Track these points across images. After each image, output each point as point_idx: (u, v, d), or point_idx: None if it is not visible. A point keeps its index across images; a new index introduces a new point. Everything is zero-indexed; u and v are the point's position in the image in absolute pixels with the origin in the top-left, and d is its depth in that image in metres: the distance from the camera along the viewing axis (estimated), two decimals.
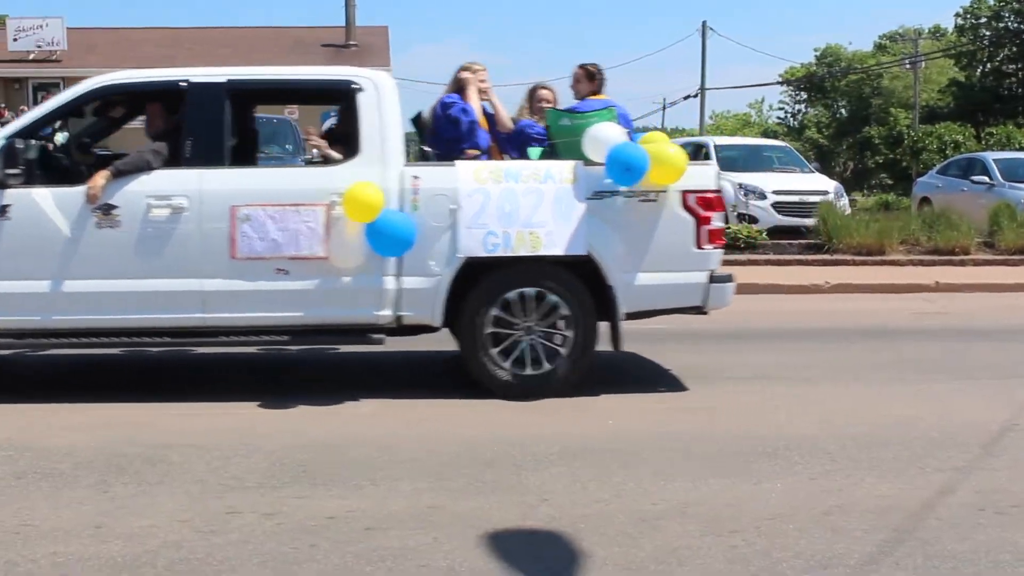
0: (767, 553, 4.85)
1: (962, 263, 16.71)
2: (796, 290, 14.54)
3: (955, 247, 17.11)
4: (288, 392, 8.07)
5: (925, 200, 22.97)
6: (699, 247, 7.92)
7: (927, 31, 77.68)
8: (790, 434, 6.92)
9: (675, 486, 5.80)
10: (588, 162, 7.85)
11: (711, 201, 8.00)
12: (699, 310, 8.14)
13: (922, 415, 7.56)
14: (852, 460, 6.37)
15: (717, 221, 8.08)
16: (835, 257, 16.80)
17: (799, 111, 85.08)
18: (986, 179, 21.38)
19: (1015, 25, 68.19)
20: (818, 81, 77.90)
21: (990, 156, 23.51)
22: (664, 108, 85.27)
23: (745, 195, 19.12)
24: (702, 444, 6.65)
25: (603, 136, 7.89)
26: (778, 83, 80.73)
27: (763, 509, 5.44)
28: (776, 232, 18.14)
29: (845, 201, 19.88)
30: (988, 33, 69.61)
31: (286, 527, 5.10)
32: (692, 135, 45.34)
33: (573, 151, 8.05)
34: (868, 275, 15.54)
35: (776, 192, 19.21)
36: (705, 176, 8.12)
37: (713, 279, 8.02)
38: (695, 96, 58.07)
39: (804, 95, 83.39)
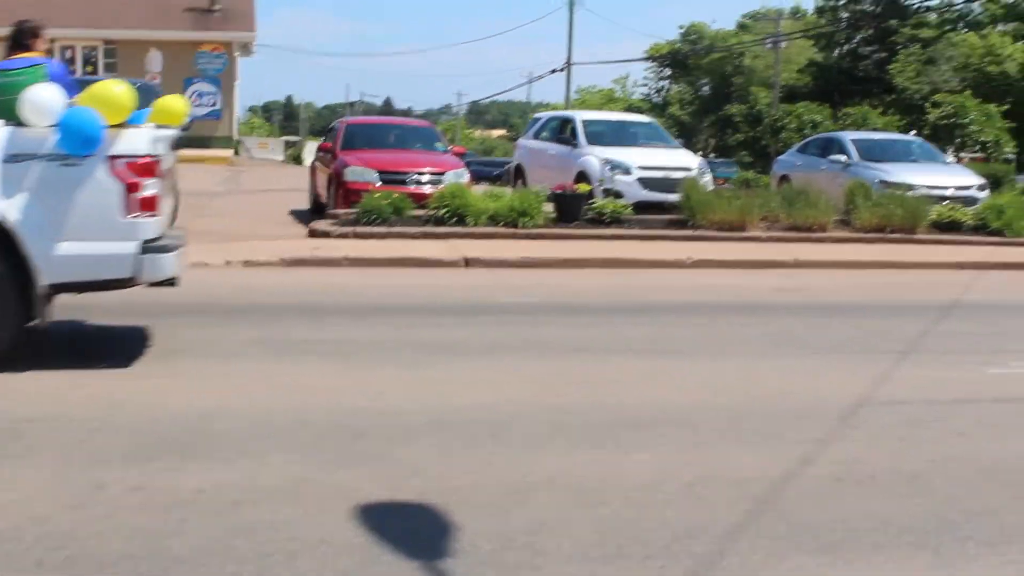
0: (635, 523, 4.93)
1: (820, 240, 17.15)
2: (659, 265, 14.76)
3: (813, 224, 17.54)
4: (152, 361, 7.93)
5: (785, 178, 23.45)
6: (128, 216, 7.41)
7: (788, 12, 79.23)
8: (658, 406, 7.05)
9: (545, 457, 5.86)
10: (9, 122, 7.36)
11: (143, 167, 7.45)
12: (129, 283, 7.65)
13: (784, 389, 7.76)
14: (717, 432, 6.51)
15: (150, 188, 7.51)
16: (698, 233, 17.07)
17: (663, 87, 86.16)
18: (843, 158, 21.94)
19: (872, 8, 69.94)
20: (682, 58, 78.96)
21: (847, 136, 24.13)
22: (530, 82, 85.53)
23: (611, 170, 19.28)
24: (571, 416, 6.72)
25: (43, 101, 7.35)
26: (643, 59, 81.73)
27: (631, 480, 5.53)
28: (641, 207, 18.34)
29: (709, 177, 20.21)
30: (846, 15, 71.28)
31: (154, 501, 5.02)
32: (558, 109, 45.54)
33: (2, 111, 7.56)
34: (729, 251, 15.85)
35: (642, 167, 19.39)
36: (136, 141, 7.50)
37: (146, 250, 7.51)
38: (561, 70, 58.39)
39: (668, 72, 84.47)
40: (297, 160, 50.50)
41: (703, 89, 79.86)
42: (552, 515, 4.99)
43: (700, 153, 51.33)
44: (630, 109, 68.21)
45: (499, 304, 11.26)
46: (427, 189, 17.74)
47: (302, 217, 18.96)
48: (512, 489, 5.34)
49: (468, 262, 14.16)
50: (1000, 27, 60.18)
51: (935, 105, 37.27)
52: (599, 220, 17.14)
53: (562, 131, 21.86)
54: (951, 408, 7.34)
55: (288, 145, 58.93)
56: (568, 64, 57.42)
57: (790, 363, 8.74)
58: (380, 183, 17.61)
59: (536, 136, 23.31)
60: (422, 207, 16.87)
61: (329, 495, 5.14)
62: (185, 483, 5.27)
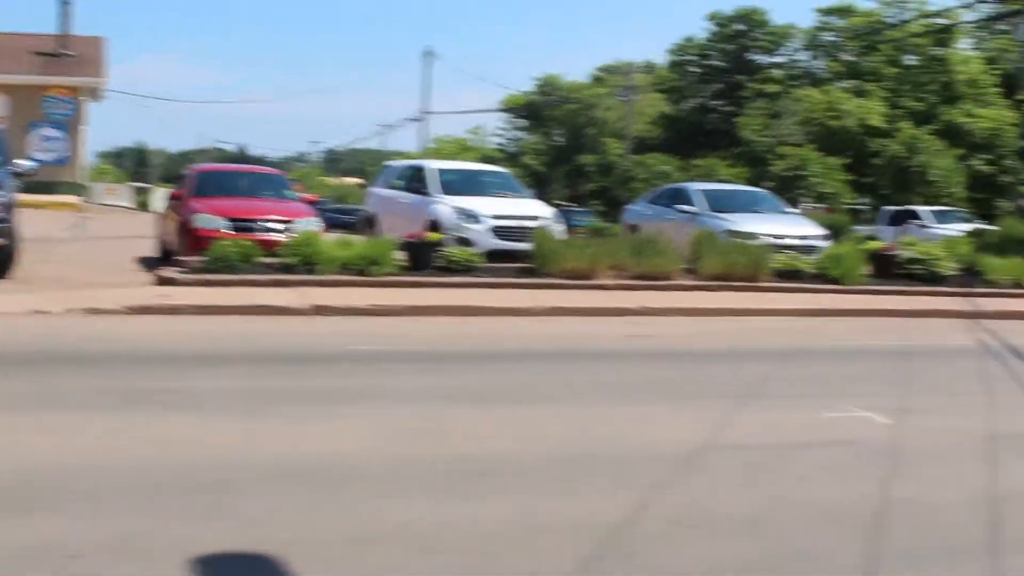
0: (475, 571, 4.95)
1: (667, 288, 17.44)
2: (509, 312, 14.84)
3: (660, 273, 17.85)
4: None
5: (634, 227, 23.82)
6: None
7: (640, 65, 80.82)
8: (504, 454, 7.08)
9: (389, 507, 5.84)
10: None
11: None
12: None
13: (628, 434, 7.87)
14: (562, 479, 6.57)
15: None
16: (547, 281, 17.22)
17: (517, 138, 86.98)
18: (690, 208, 22.40)
19: (721, 63, 71.82)
20: (536, 109, 79.89)
21: (695, 186, 24.66)
22: (385, 131, 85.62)
23: (463, 219, 19.39)
24: (417, 465, 6.71)
25: None
26: (498, 110, 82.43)
27: (474, 529, 5.55)
28: (493, 256, 18.45)
29: (561, 227, 20.42)
30: (696, 70, 73.02)
31: None
32: (413, 157, 45.64)
33: None
34: (579, 299, 16.01)
35: (493, 216, 19.53)
36: None
37: None
38: (417, 120, 58.59)
39: (523, 122, 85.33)
40: (145, 207, 49.67)
41: (557, 139, 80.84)
42: (393, 565, 4.98)
43: (558, 202, 51.95)
44: (485, 159, 68.71)
45: (348, 352, 11.20)
46: (277, 237, 17.60)
47: (150, 265, 18.60)
48: (354, 539, 5.31)
49: (318, 310, 14.06)
50: (841, 84, 62.26)
51: (780, 157, 38.36)
52: (450, 268, 17.18)
53: (415, 179, 21.92)
54: (789, 452, 7.53)
55: (138, 191, 57.89)
56: (423, 113, 57.69)
57: (636, 409, 8.87)
58: (230, 230, 17.42)
59: (389, 184, 23.32)
60: (272, 255, 16.71)
61: (166, 548, 5.04)
62: (21, 537, 5.11)
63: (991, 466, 7.32)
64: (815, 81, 66.44)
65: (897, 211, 35.69)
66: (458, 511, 5.85)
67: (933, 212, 34.76)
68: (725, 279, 18.01)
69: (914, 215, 34.45)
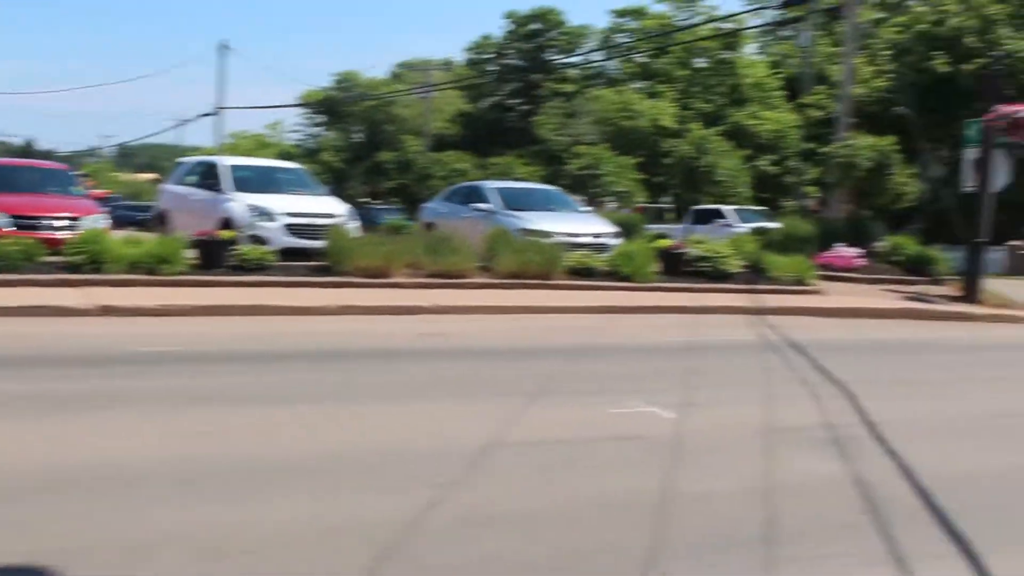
0: None
1: (462, 286, 17.55)
2: (303, 312, 14.68)
3: (455, 271, 17.94)
4: None
5: (431, 225, 23.88)
6: None
7: (438, 63, 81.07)
8: (293, 455, 7.00)
9: (171, 512, 5.70)
10: None
11: None
12: None
13: (418, 433, 7.87)
14: (350, 479, 6.53)
15: None
16: (342, 279, 17.11)
17: (316, 134, 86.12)
18: (486, 206, 22.56)
19: (518, 62, 72.60)
20: (335, 105, 79.25)
21: (489, 184, 24.85)
22: (179, 126, 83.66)
23: (256, 216, 19.10)
24: (201, 468, 6.58)
25: None
26: (296, 105, 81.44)
27: (257, 533, 5.47)
28: (287, 254, 18.24)
29: (356, 224, 20.32)
30: (494, 68, 73.62)
31: None
32: (209, 153, 44.74)
33: None
34: (374, 297, 15.96)
35: (287, 214, 19.30)
36: None
37: None
38: (212, 115, 57.42)
39: (322, 118, 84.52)
40: None
41: (356, 136, 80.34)
42: (168, 573, 4.87)
43: (361, 199, 51.61)
44: (283, 155, 67.78)
45: (134, 354, 10.89)
46: (62, 234, 17.04)
47: None
48: (133, 547, 5.17)
49: (105, 310, 13.64)
50: (635, 85, 63.62)
51: (575, 156, 38.89)
52: (243, 267, 16.91)
53: (207, 176, 21.49)
54: (575, 447, 7.66)
55: None
56: (218, 108, 56.55)
57: (427, 407, 8.88)
58: (12, 228, 16.80)
59: (181, 181, 22.81)
60: (57, 253, 16.17)
61: None
62: None
63: (768, 458, 7.59)
64: (610, 82, 67.77)
65: (703, 210, 36.59)
66: (243, 515, 5.75)
67: (737, 211, 35.76)
68: (519, 277, 18.21)
69: (719, 214, 35.38)
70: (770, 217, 34.68)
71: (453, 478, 6.59)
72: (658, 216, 49.17)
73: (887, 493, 6.83)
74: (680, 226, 35.08)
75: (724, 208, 36.52)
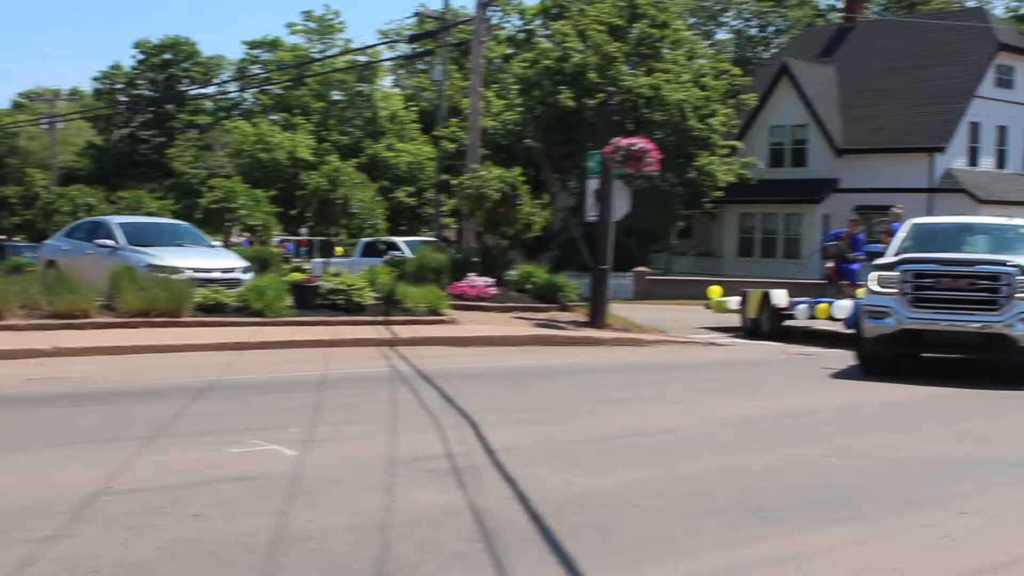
0: None
1: (83, 327, 16.68)
2: None
3: (76, 310, 17.04)
4: None
5: (52, 263, 22.68)
6: None
7: (65, 92, 77.75)
8: None
9: None
10: None
11: None
12: None
13: (15, 485, 7.38)
14: None
15: None
16: None
17: None
18: (110, 242, 21.63)
19: (150, 93, 70.64)
20: None
21: (114, 220, 23.87)
22: None
23: None
24: None
25: None
26: None
27: None
28: None
29: None
30: (125, 99, 71.37)
31: None
32: None
33: None
34: None
35: None
36: None
37: None
38: None
39: None
40: None
41: None
42: None
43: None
44: None
45: None
46: None
47: None
48: None
49: None
50: (271, 117, 63.17)
51: (211, 189, 38.05)
52: None
53: None
54: (189, 491, 7.37)
55: None
56: None
57: (27, 458, 8.36)
58: None
59: None
60: None
61: None
62: None
63: (387, 491, 7.56)
64: (246, 113, 67.03)
65: (374, 242, 36.31)
66: None
67: (408, 242, 35.71)
68: (146, 315, 17.52)
69: (395, 246, 35.20)
70: (450, 245, 34.83)
71: (51, 532, 6.20)
72: (324, 250, 48.95)
73: (503, 519, 6.93)
74: (322, 260, 34.79)
75: (399, 240, 36.60)
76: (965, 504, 7.89)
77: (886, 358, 16.19)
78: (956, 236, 17.72)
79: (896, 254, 16.46)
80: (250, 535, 6.37)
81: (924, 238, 17.04)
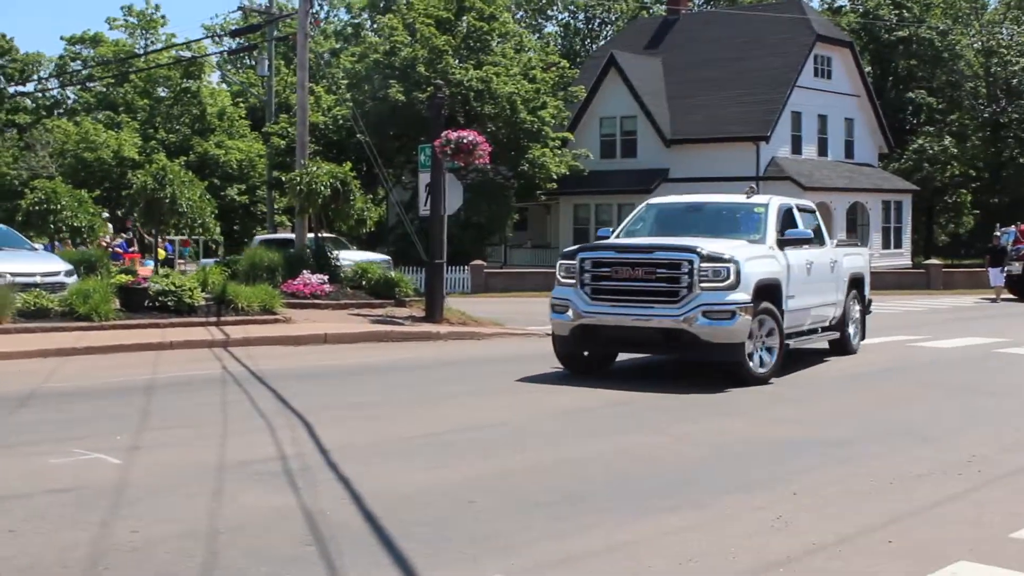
0: None
1: None
2: None
3: None
4: None
5: None
6: None
7: None
8: None
9: None
10: None
11: None
12: None
13: None
14: None
15: None
16: None
17: None
18: None
19: None
20: None
21: None
22: None
23: None
24: None
25: None
26: None
27: None
28: None
29: None
30: None
31: None
32: None
33: None
34: None
35: None
36: None
37: None
38: None
39: None
40: None
41: None
42: None
43: None
44: None
45: None
46: None
47: None
48: None
49: None
50: (94, 115, 61.40)
51: (32, 191, 36.69)
52: None
53: None
54: (2, 505, 7.04)
55: None
56: None
57: None
58: None
59: None
60: None
61: None
62: None
63: (216, 496, 7.35)
64: (69, 112, 65.07)
65: (270, 239, 35.05)
66: None
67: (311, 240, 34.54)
68: None
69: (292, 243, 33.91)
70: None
71: None
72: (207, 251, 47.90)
73: (336, 520, 6.81)
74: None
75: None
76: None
77: (577, 356, 14.73)
78: (684, 217, 15.80)
79: (617, 237, 15.20)
80: (69, 549, 6.12)
81: (655, 220, 15.66)
